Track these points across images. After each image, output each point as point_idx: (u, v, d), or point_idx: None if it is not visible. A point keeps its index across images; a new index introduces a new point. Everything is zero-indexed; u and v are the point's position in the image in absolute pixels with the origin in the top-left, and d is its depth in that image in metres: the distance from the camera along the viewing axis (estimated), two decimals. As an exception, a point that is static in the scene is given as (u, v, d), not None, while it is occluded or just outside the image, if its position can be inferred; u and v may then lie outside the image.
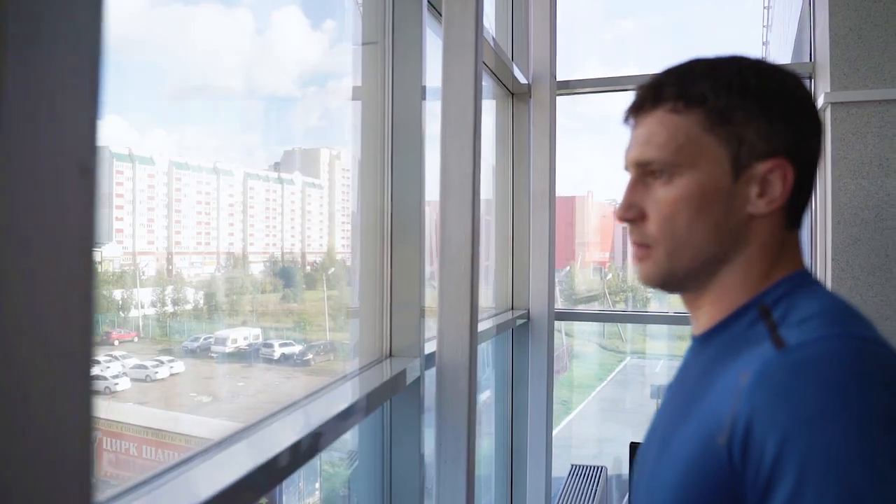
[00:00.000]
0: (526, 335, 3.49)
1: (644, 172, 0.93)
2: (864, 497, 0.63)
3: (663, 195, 0.90)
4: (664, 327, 5.20)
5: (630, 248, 0.97)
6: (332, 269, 2.21)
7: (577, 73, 3.83)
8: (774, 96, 0.89)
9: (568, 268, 6.52)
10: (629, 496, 1.05)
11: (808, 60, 3.43)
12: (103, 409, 1.31)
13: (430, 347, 2.16)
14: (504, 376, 3.50)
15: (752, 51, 0.94)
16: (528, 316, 3.48)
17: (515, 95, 3.48)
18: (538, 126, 3.41)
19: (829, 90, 3.03)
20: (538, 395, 3.41)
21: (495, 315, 3.31)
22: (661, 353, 6.84)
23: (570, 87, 3.74)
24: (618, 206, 0.95)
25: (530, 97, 3.45)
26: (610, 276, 6.80)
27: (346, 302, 2.22)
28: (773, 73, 0.91)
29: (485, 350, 3.38)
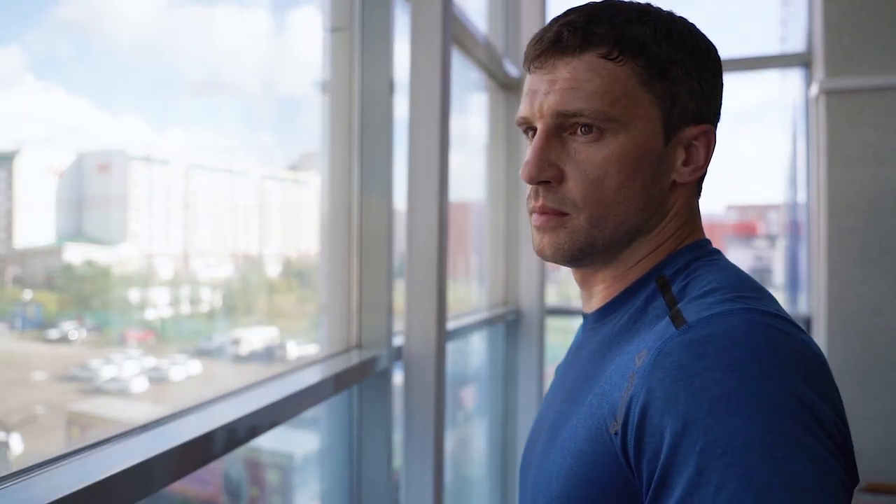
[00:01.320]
0: (517, 331, 3.51)
1: (562, 125, 0.83)
2: (765, 488, 0.58)
3: (590, 154, 0.81)
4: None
5: (533, 217, 0.86)
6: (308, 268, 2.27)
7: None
8: (705, 56, 0.84)
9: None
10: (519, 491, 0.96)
11: (804, 50, 3.40)
12: (118, 408, 1.37)
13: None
14: (497, 372, 3.51)
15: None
16: (518, 312, 3.49)
17: (507, 89, 3.50)
18: None
19: (822, 78, 3.01)
20: (528, 391, 3.42)
21: (487, 310, 3.33)
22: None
23: None
24: (526, 164, 0.84)
25: (519, 90, 3.45)
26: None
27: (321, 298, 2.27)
28: (697, 31, 0.86)
29: (476, 345, 3.41)
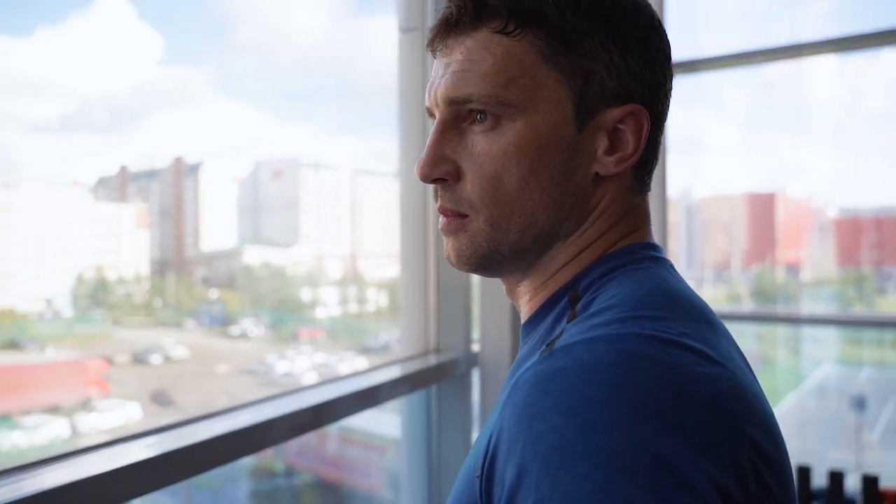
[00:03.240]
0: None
1: (458, 114, 0.74)
2: None
3: (486, 146, 0.72)
4: (876, 332, 4.90)
5: (444, 220, 0.78)
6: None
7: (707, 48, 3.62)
8: (631, 23, 0.73)
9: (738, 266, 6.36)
10: None
11: None
12: (293, 402, 1.65)
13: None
14: None
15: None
16: None
17: None
18: None
19: None
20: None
21: None
22: (870, 359, 6.46)
23: (686, 67, 3.52)
24: (419, 160, 0.75)
25: None
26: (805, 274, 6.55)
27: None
28: None
29: None
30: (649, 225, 0.80)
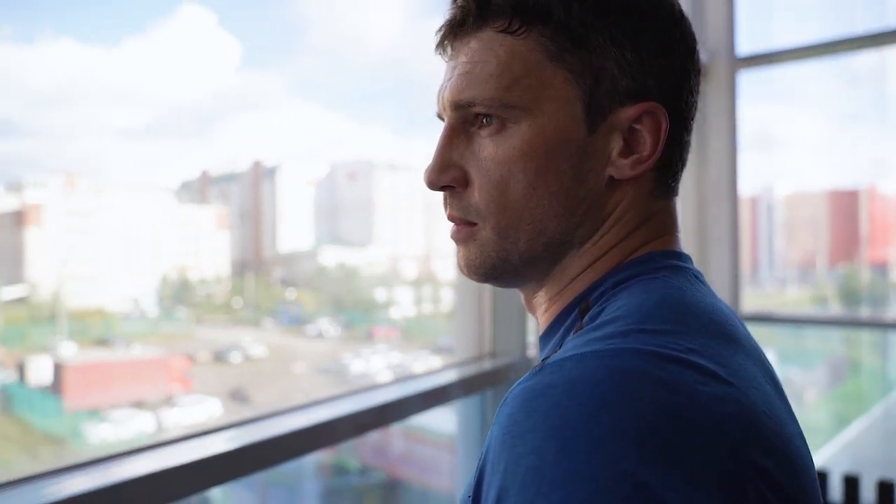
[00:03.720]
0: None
1: (465, 119, 0.71)
2: None
3: (492, 151, 0.70)
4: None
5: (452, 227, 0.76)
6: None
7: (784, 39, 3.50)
8: (646, 17, 0.69)
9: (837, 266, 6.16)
10: None
11: None
12: (358, 402, 1.72)
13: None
14: None
15: None
16: None
17: None
18: (714, 110, 3.21)
19: None
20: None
21: None
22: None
23: (760, 60, 3.39)
24: (428, 166, 0.73)
25: (706, 77, 3.24)
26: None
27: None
28: None
29: None
30: (676, 232, 0.75)
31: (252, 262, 8.70)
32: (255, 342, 7.82)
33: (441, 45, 0.74)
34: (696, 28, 2.66)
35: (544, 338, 0.74)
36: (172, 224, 8.20)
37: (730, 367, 0.57)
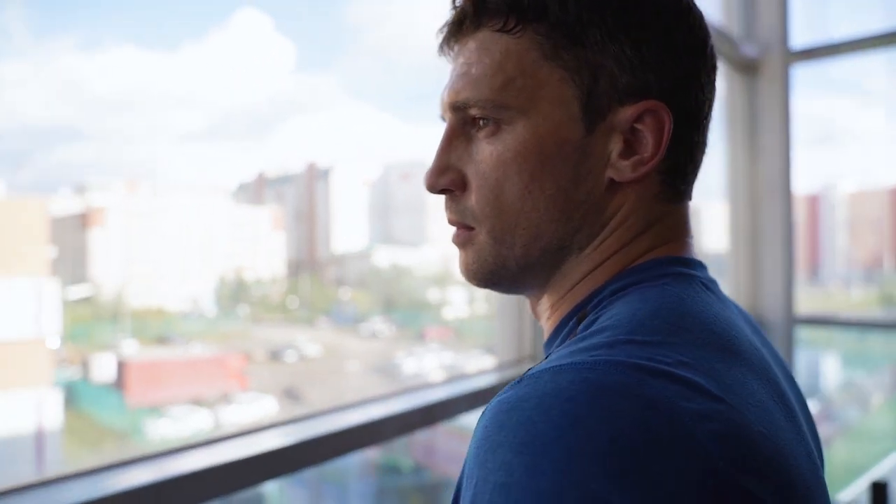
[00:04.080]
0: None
1: (465, 121, 0.70)
2: None
3: (487, 153, 0.68)
4: None
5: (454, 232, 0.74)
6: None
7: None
8: (647, 11, 0.66)
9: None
10: None
11: None
12: (405, 402, 1.76)
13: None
14: None
15: None
16: (761, 322, 3.19)
17: (746, 71, 3.23)
18: (767, 106, 3.11)
19: None
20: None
21: None
22: None
23: (815, 53, 3.24)
24: (427, 169, 0.72)
25: (758, 72, 3.16)
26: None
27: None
28: None
29: None
30: (687, 238, 0.71)
31: (307, 262, 8.84)
32: (309, 341, 7.94)
33: (442, 47, 0.73)
34: (746, 21, 2.61)
35: (547, 346, 0.72)
36: (230, 225, 8.38)
37: (724, 383, 0.54)
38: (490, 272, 0.71)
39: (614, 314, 0.60)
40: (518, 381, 0.54)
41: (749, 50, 3.03)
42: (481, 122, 0.68)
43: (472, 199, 0.69)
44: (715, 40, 2.37)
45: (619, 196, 0.67)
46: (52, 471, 1.13)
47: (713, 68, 0.70)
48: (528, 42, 0.66)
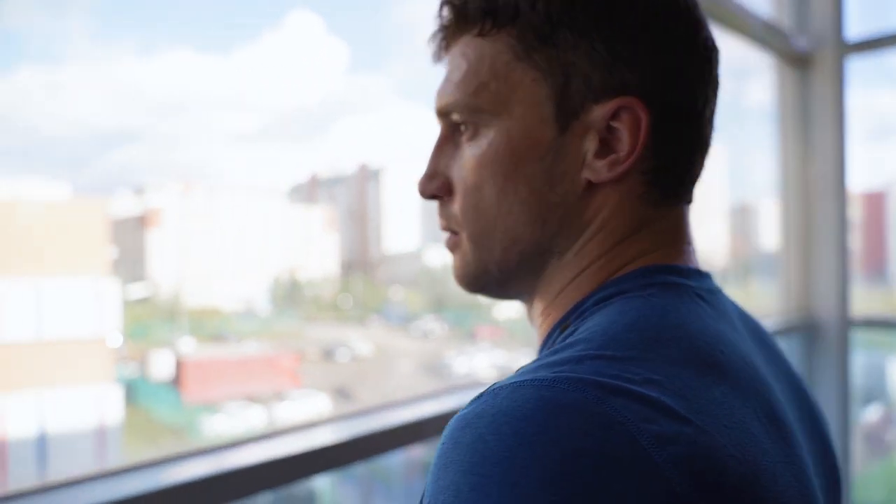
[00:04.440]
0: (814, 346, 3.13)
1: (451, 127, 0.71)
2: None
3: (467, 158, 0.68)
4: None
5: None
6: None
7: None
8: (622, 4, 0.64)
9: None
10: None
11: None
12: (461, 398, 1.78)
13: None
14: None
15: None
16: (813, 325, 3.13)
17: (799, 65, 3.16)
18: (820, 100, 3.02)
19: None
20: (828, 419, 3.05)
21: (774, 318, 3.08)
22: None
23: (872, 45, 3.05)
24: (420, 176, 0.73)
25: (811, 65, 3.08)
26: None
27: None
28: None
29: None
30: (683, 244, 0.68)
31: (358, 261, 8.93)
32: (361, 340, 8.03)
33: (434, 56, 0.74)
34: (798, 13, 2.59)
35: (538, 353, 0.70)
36: (283, 225, 8.51)
37: (696, 402, 0.52)
38: (474, 277, 0.72)
39: (590, 326, 0.59)
40: (479, 396, 0.53)
41: (801, 43, 2.98)
42: (462, 127, 0.70)
43: (456, 204, 0.71)
44: (764, 34, 2.38)
45: (599, 198, 0.66)
46: (113, 463, 1.19)
47: (707, 59, 0.67)
48: (502, 45, 0.66)
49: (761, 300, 3.38)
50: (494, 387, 0.52)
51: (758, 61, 3.19)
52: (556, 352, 0.56)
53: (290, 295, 8.52)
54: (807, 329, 3.11)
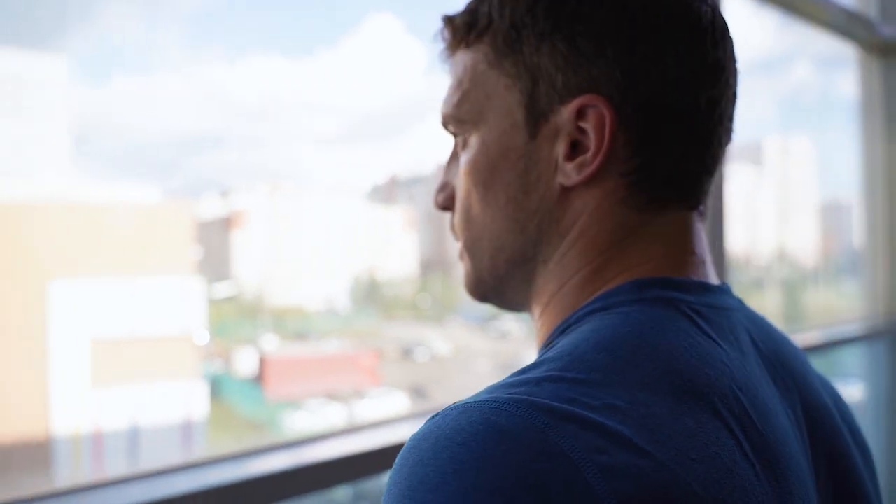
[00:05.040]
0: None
1: (454, 139, 0.73)
2: None
3: (460, 168, 0.69)
4: None
5: None
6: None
7: None
8: (582, 1, 0.61)
9: None
10: None
11: None
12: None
13: None
14: (879, 402, 2.99)
15: None
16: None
17: (886, 54, 3.01)
18: None
19: None
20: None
21: (863, 322, 2.96)
22: None
23: None
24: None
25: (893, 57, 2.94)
26: None
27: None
28: None
29: (848, 365, 3.14)
30: (684, 254, 0.63)
31: (437, 261, 9.01)
32: (439, 339, 8.10)
33: (445, 73, 0.73)
34: (884, 1, 2.45)
35: None
36: (364, 226, 8.66)
37: (661, 433, 0.47)
38: (474, 286, 0.72)
39: (562, 344, 0.56)
40: (433, 416, 0.51)
41: (888, 31, 2.87)
42: (456, 139, 0.71)
43: (455, 214, 0.71)
44: (847, 23, 2.28)
45: (577, 203, 0.63)
46: (199, 455, 1.26)
47: (705, 49, 0.62)
48: (480, 55, 0.66)
49: (847, 303, 3.25)
50: (452, 406, 0.51)
51: (842, 53, 3.09)
52: (523, 371, 0.53)
53: (369, 294, 8.67)
54: (894, 334, 2.98)
